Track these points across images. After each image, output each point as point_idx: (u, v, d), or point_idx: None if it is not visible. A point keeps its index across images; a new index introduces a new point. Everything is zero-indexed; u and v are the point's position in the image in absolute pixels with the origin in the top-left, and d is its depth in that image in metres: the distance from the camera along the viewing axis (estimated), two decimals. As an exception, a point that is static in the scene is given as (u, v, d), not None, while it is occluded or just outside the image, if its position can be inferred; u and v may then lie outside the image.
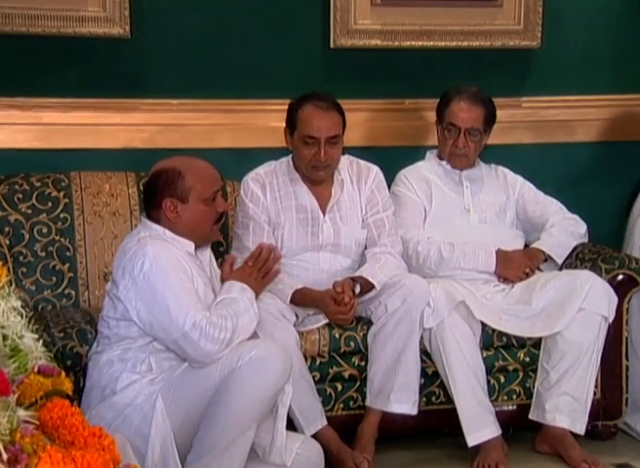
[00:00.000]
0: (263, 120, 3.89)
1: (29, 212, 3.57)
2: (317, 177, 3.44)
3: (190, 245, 2.93)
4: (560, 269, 3.67)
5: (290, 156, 3.52)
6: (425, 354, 3.43)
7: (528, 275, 3.62)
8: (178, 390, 2.80)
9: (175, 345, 2.80)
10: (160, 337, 2.83)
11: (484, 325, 3.47)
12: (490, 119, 3.69)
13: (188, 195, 2.88)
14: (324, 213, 3.49)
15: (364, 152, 3.75)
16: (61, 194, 3.62)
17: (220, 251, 3.58)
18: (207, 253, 3.03)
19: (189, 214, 2.89)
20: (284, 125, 3.47)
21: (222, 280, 3.02)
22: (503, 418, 3.46)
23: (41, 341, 2.22)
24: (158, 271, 2.78)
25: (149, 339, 2.86)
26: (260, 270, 3.01)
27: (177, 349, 2.81)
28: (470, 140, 3.65)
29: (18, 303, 2.17)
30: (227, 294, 2.93)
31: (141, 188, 3.40)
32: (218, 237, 3.10)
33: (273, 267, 3.04)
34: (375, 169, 3.57)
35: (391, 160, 3.82)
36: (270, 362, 2.75)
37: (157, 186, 2.90)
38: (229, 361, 2.76)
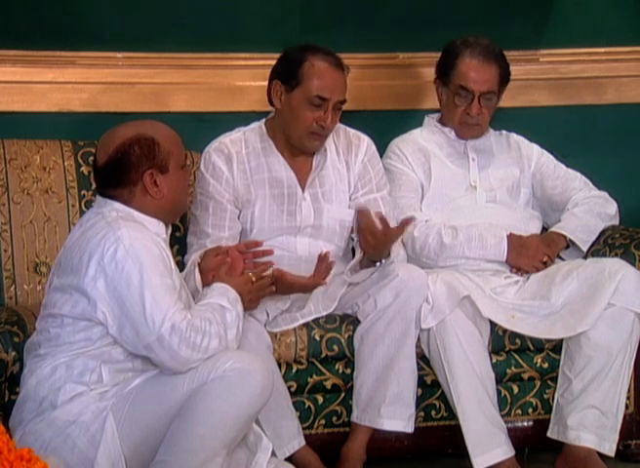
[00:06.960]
0: (228, 78, 3.88)
1: (-61, 189, 3.56)
2: (312, 147, 3.41)
3: (161, 227, 2.92)
4: (585, 257, 3.65)
5: (262, 121, 3.46)
6: (423, 359, 3.42)
7: (546, 264, 3.61)
8: (134, 406, 2.76)
9: (147, 350, 2.78)
10: (130, 341, 2.79)
11: (493, 324, 3.46)
12: (504, 78, 3.66)
13: (168, 163, 2.89)
14: (303, 188, 3.45)
15: (348, 117, 3.67)
16: (-20, 168, 3.59)
17: (177, 236, 3.53)
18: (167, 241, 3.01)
19: (169, 186, 2.89)
20: (273, 77, 3.39)
21: (205, 271, 3.06)
22: (517, 436, 3.46)
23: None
24: (134, 260, 2.76)
25: (107, 342, 2.81)
26: (258, 293, 3.10)
27: (149, 354, 2.79)
28: (484, 106, 3.63)
29: None
30: (218, 300, 2.91)
31: (78, 161, 3.46)
32: (186, 208, 3.15)
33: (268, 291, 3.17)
34: (366, 139, 3.56)
35: (381, 127, 3.82)
36: (249, 376, 2.72)
37: (130, 160, 2.85)
38: (200, 373, 2.73)
